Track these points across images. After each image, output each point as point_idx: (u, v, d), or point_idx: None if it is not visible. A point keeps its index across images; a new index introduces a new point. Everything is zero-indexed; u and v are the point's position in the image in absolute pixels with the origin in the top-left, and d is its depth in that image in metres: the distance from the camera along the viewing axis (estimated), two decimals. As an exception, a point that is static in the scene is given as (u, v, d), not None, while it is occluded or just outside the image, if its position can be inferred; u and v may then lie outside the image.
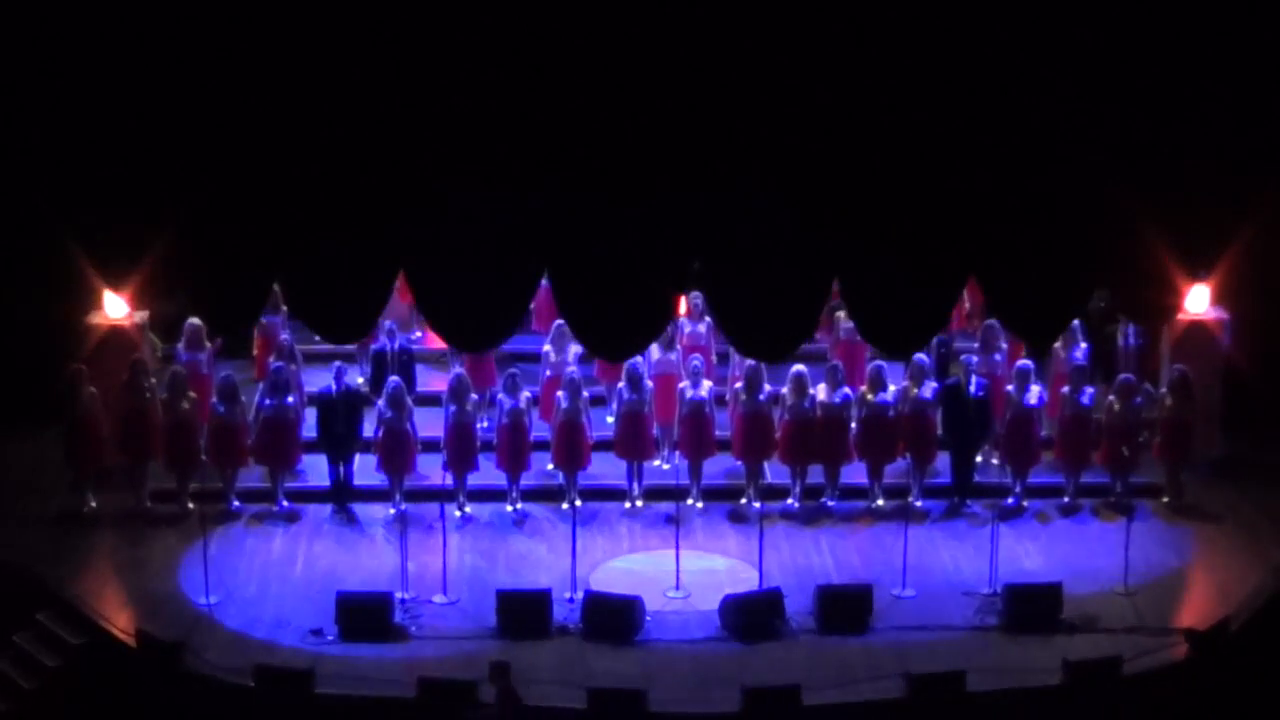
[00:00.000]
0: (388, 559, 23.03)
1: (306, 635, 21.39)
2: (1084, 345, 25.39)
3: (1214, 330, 25.58)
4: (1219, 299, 25.68)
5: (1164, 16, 21.64)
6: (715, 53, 21.30)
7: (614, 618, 21.55)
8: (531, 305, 26.68)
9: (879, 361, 24.75)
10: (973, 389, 24.45)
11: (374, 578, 22.63)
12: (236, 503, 24.45)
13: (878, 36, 21.36)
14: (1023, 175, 21.75)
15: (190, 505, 24.25)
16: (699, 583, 22.56)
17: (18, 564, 22.65)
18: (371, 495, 24.59)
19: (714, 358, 25.58)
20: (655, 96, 21.37)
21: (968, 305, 26.98)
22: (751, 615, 21.65)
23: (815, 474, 24.65)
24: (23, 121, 21.93)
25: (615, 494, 24.73)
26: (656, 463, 25.07)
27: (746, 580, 22.54)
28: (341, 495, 24.52)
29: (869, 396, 24.37)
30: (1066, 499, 24.65)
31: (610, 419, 24.99)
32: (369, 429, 24.50)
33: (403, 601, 21.97)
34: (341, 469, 24.49)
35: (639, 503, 24.62)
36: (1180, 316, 25.50)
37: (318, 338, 27.15)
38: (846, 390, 24.42)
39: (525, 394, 24.36)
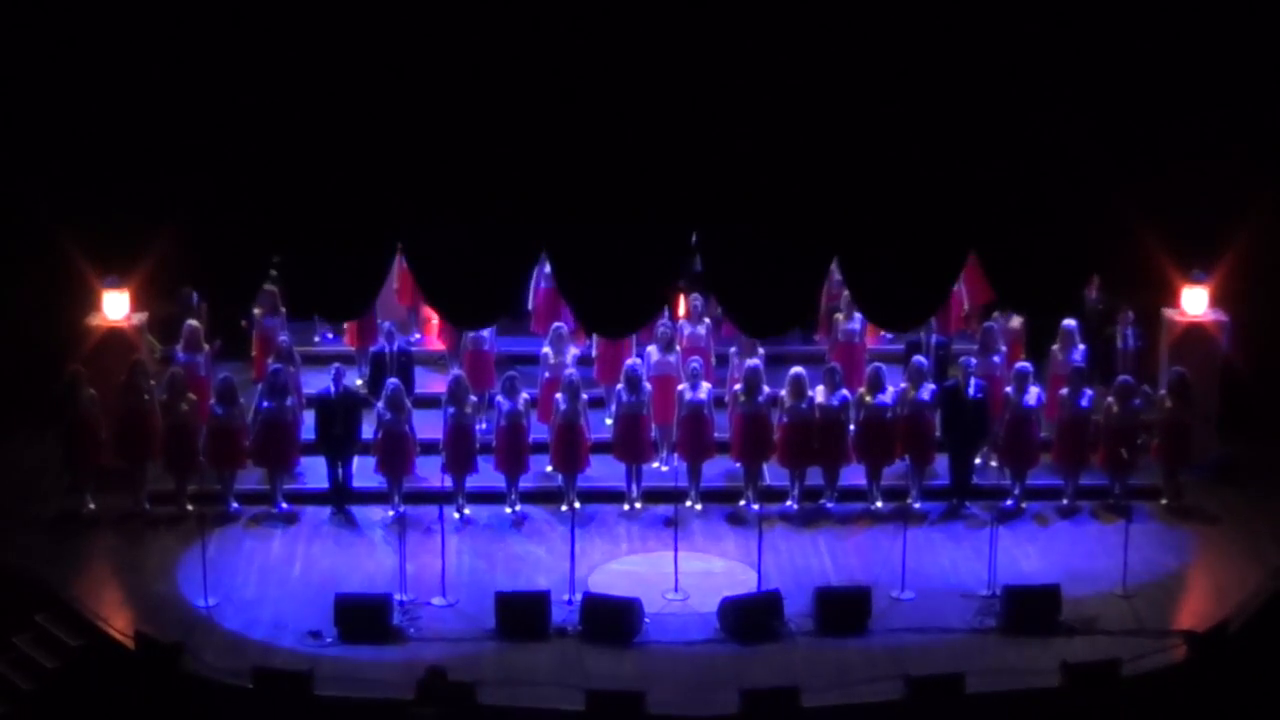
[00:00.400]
0: (386, 561, 23.03)
1: (305, 637, 21.38)
2: (1082, 347, 25.39)
3: (1212, 332, 25.59)
4: (1217, 301, 25.70)
5: (1165, 12, 21.74)
6: (716, 28, 21.33)
7: (613, 620, 21.54)
8: (530, 307, 26.75)
9: (877, 364, 24.75)
10: (971, 391, 24.45)
11: (372, 580, 22.63)
12: (235, 504, 24.44)
13: (881, 13, 21.38)
14: (1023, 151, 21.78)
15: (189, 507, 24.23)
16: (697, 585, 22.55)
17: (17, 565, 22.65)
18: (370, 497, 24.57)
19: (713, 360, 25.56)
20: (654, 72, 21.41)
21: (966, 307, 26.97)
22: (750, 617, 21.64)
23: (814, 476, 24.64)
24: (16, 116, 21.98)
25: (614, 496, 24.71)
26: (655, 465, 25.06)
27: (745, 582, 22.54)
28: (340, 497, 24.51)
29: (867, 398, 24.37)
30: (1065, 501, 24.64)
31: (609, 421, 24.98)
32: (368, 431, 24.48)
33: (401, 603, 21.96)
34: (340, 471, 24.48)
35: (638, 505, 24.61)
36: (1179, 319, 25.58)
37: (317, 339, 27.34)
38: (845, 392, 24.42)
39: (524, 396, 24.36)
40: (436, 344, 26.93)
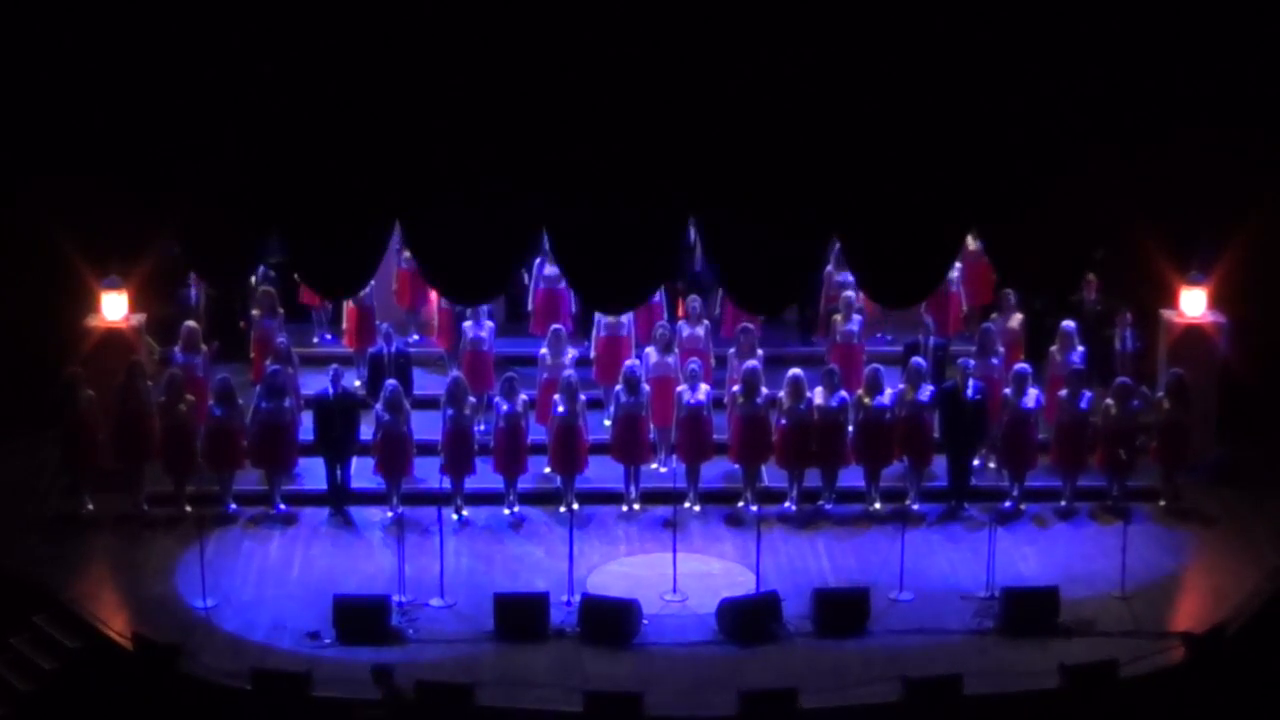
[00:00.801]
0: (385, 562, 23.02)
1: (303, 638, 21.38)
2: (1081, 349, 25.39)
3: (1211, 334, 25.60)
4: (1216, 303, 25.71)
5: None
6: (716, 4, 21.30)
7: (611, 621, 21.54)
8: (529, 308, 26.76)
9: (876, 365, 24.76)
10: (969, 392, 24.44)
11: (371, 581, 22.62)
12: (233, 506, 24.43)
13: None
14: (1025, 127, 21.82)
15: (187, 508, 24.23)
16: (696, 586, 22.54)
17: (14, 567, 22.64)
18: (369, 498, 24.56)
19: (711, 361, 25.56)
20: (653, 49, 21.43)
21: (964, 308, 26.98)
22: (748, 618, 21.64)
23: (812, 477, 24.64)
24: (13, 116, 22.03)
25: (612, 497, 24.70)
26: (654, 466, 25.06)
27: (743, 583, 22.54)
28: (339, 498, 24.50)
29: (866, 400, 24.37)
30: (1064, 502, 24.64)
31: (607, 422, 24.96)
32: (366, 432, 24.47)
33: (400, 604, 21.96)
34: (339, 472, 24.47)
35: (636, 506, 24.60)
36: (1177, 320, 25.61)
37: (315, 341, 27.34)
38: (843, 394, 24.42)
39: (522, 397, 24.35)
40: (435, 345, 26.88)
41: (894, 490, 24.69)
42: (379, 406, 24.19)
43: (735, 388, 24.60)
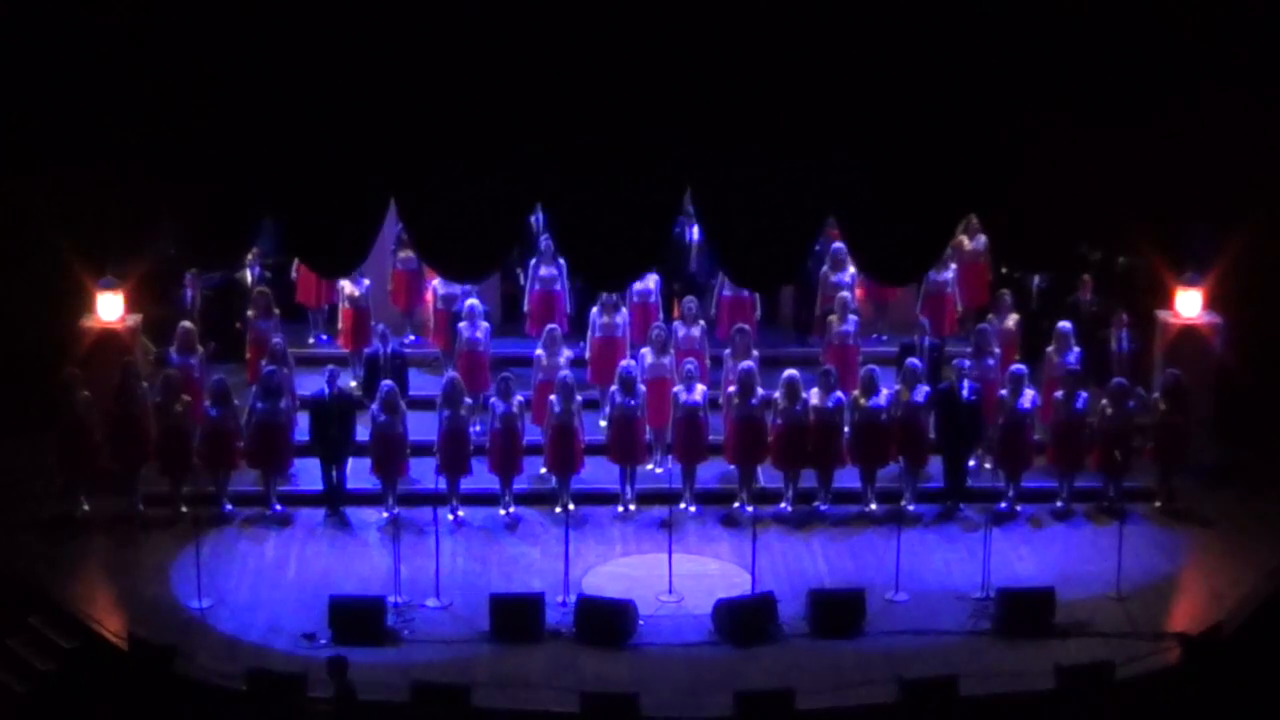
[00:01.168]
0: (380, 563, 23.02)
1: (299, 639, 21.38)
2: (1077, 350, 25.39)
3: (1207, 335, 25.62)
4: (1211, 304, 25.72)
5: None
6: None
7: (606, 621, 21.55)
8: (525, 309, 26.76)
9: (872, 366, 24.76)
10: (965, 393, 24.44)
11: (367, 582, 22.63)
12: (229, 506, 24.41)
13: None
14: (1019, 106, 21.82)
15: (183, 509, 24.22)
16: (692, 587, 22.55)
17: (11, 567, 22.63)
18: (364, 499, 24.55)
19: (707, 362, 25.55)
20: (650, 24, 21.41)
21: (959, 309, 26.98)
22: (744, 619, 21.65)
23: (808, 478, 24.63)
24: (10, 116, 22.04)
25: (608, 498, 24.70)
26: (650, 467, 25.06)
27: (739, 584, 22.54)
28: (334, 499, 24.49)
29: (861, 401, 24.37)
30: (1060, 503, 24.64)
31: (603, 423, 24.95)
32: (362, 433, 24.46)
33: (395, 605, 21.96)
34: (334, 473, 24.46)
35: (632, 507, 24.60)
36: (1173, 321, 25.63)
37: (311, 341, 27.31)
38: (839, 395, 24.41)
39: (518, 398, 24.34)
40: (431, 346, 26.87)
41: (890, 491, 24.68)
42: (375, 407, 24.18)
43: (731, 389, 24.60)
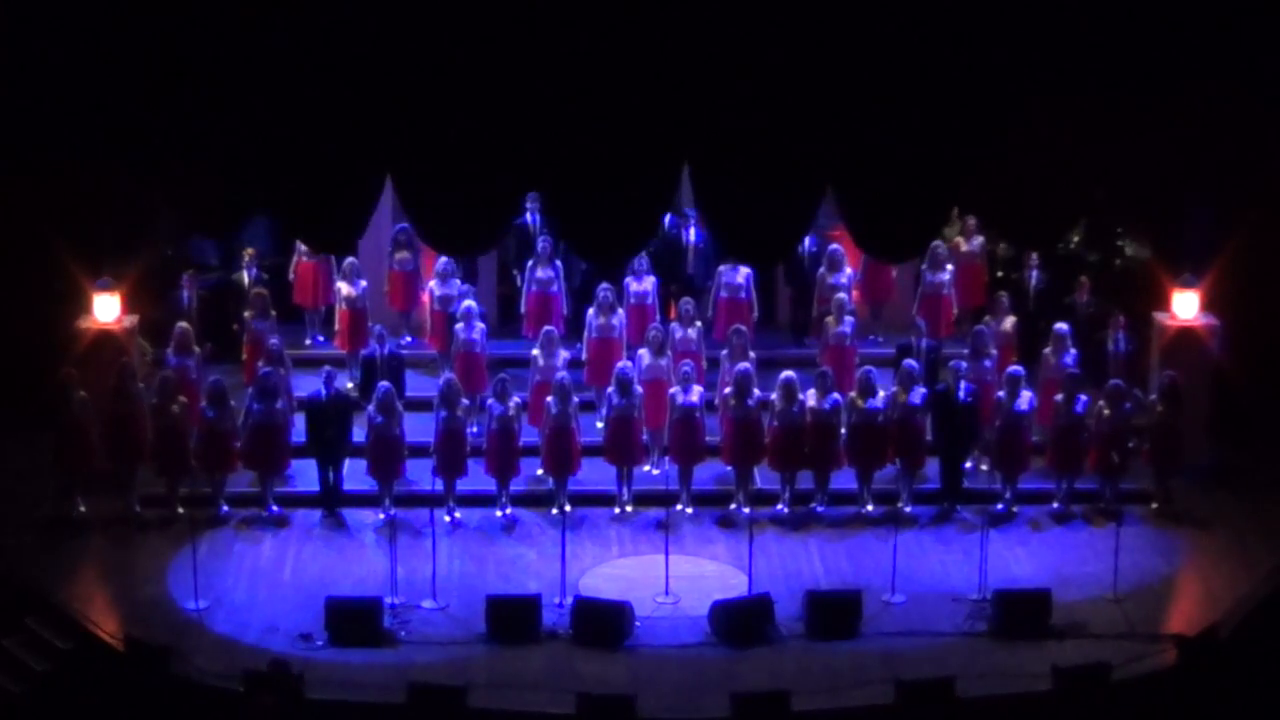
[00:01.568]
0: (377, 564, 23.00)
1: (296, 640, 21.37)
2: (1074, 351, 25.39)
3: (1204, 337, 25.62)
4: (1208, 306, 25.73)
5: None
6: None
7: (603, 623, 21.54)
8: (521, 310, 26.77)
9: (868, 368, 24.77)
10: (961, 395, 24.43)
11: (363, 583, 22.62)
12: (225, 508, 24.39)
13: None
14: (1014, 81, 21.87)
15: (179, 510, 24.21)
16: (688, 588, 22.55)
17: (7, 568, 22.62)
18: (361, 500, 24.54)
19: (704, 363, 25.56)
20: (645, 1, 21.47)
21: (956, 310, 26.99)
22: (741, 621, 21.65)
23: (805, 480, 24.63)
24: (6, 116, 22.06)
25: (605, 499, 24.69)
26: (646, 468, 25.05)
27: (736, 586, 22.53)
28: (331, 500, 24.49)
29: (858, 402, 24.37)
30: (1057, 505, 24.64)
31: (600, 424, 24.95)
32: (359, 434, 24.45)
33: (392, 606, 21.95)
34: (331, 474, 24.45)
35: (628, 508, 24.60)
36: (1170, 323, 25.65)
37: (308, 342, 27.30)
38: (836, 396, 24.42)
39: (515, 399, 24.33)
40: (428, 347, 26.86)
41: (886, 493, 24.67)
42: (371, 408, 24.17)
43: (727, 390, 24.59)
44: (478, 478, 24.47)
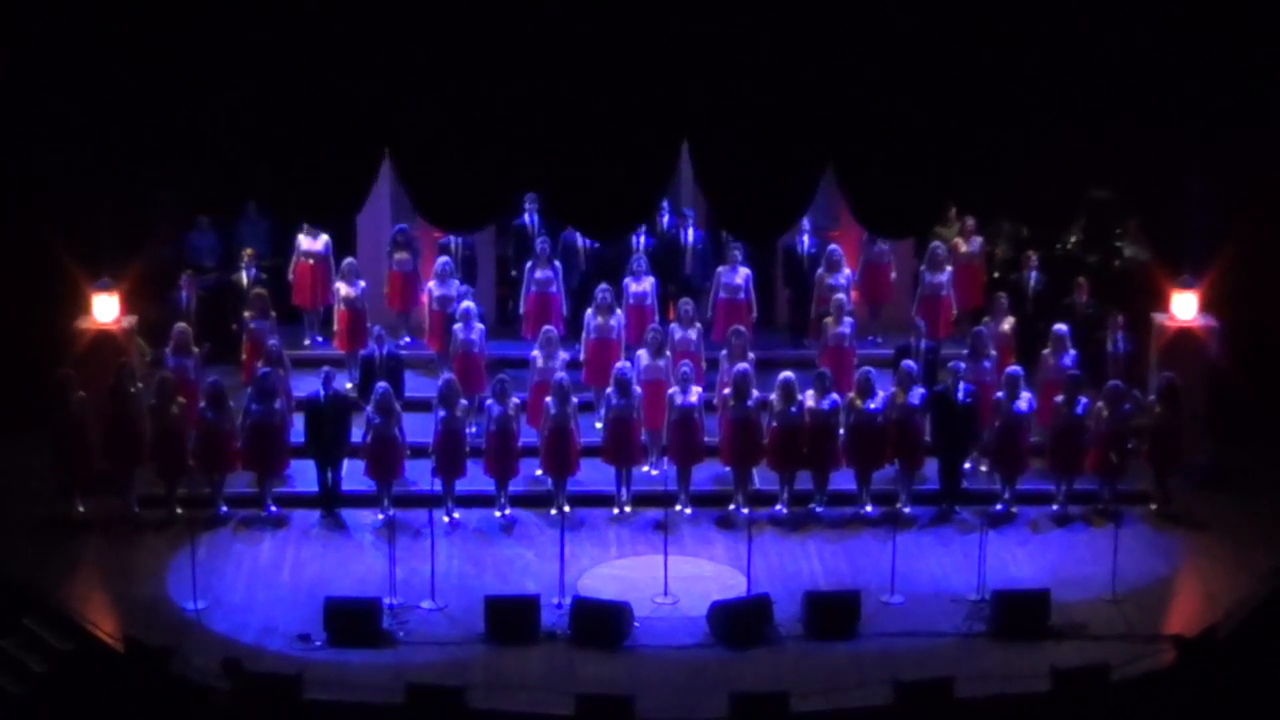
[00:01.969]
0: (375, 564, 23.00)
1: (294, 641, 21.37)
2: (1073, 352, 25.39)
3: (1202, 337, 25.63)
4: (1206, 306, 25.74)
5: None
6: None
7: (602, 623, 21.54)
8: (521, 311, 26.76)
9: (867, 368, 24.76)
10: (960, 396, 24.44)
11: (362, 583, 22.61)
12: (224, 508, 24.39)
13: None
14: (1020, 59, 21.91)
15: (178, 510, 24.21)
16: (687, 589, 22.55)
17: (5, 568, 22.60)
18: (359, 501, 24.53)
19: (703, 364, 25.56)
20: None
21: (955, 311, 26.99)
22: (739, 621, 21.64)
23: (803, 480, 24.62)
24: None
25: (604, 500, 24.69)
26: (645, 469, 25.05)
27: (734, 586, 22.53)
28: (329, 501, 24.49)
29: (857, 403, 24.37)
30: (1057, 506, 24.63)
31: (599, 424, 24.95)
32: (357, 435, 24.45)
33: (390, 607, 21.95)
34: (329, 474, 24.45)
35: (627, 509, 24.59)
36: (1168, 324, 25.66)
37: (306, 343, 27.30)
38: (835, 397, 24.42)
39: (514, 400, 24.33)
40: (426, 348, 26.86)
41: (885, 493, 24.68)
42: (370, 409, 24.16)
43: (726, 390, 24.59)
44: (476, 478, 24.47)
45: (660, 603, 22.35)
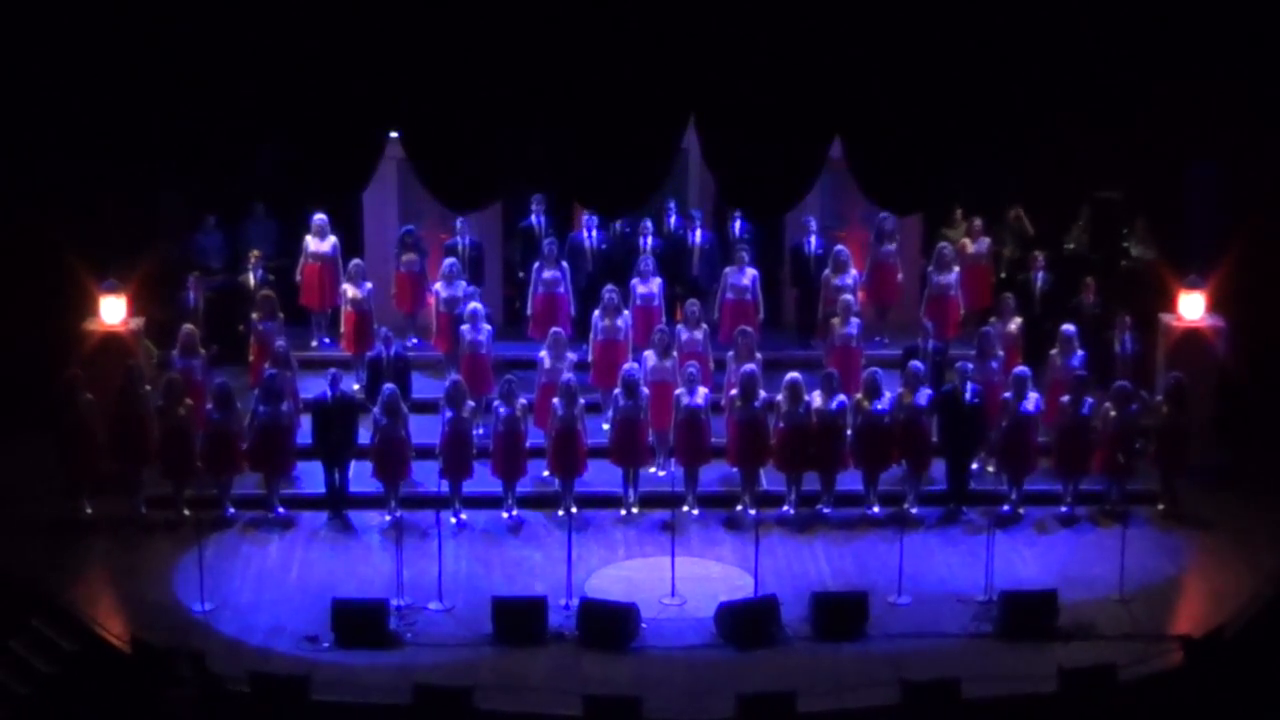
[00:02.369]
0: (383, 566, 23.01)
1: (302, 642, 21.37)
2: (1080, 352, 25.37)
3: (1210, 338, 25.62)
4: (1214, 306, 25.72)
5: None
6: None
7: (609, 624, 21.53)
8: (528, 312, 26.77)
9: (875, 369, 24.74)
10: (968, 396, 24.43)
11: (369, 584, 22.62)
12: (231, 509, 24.41)
13: None
14: (1027, 33, 21.94)
15: (185, 512, 24.22)
16: (694, 589, 22.54)
17: (13, 569, 22.63)
18: (367, 502, 24.54)
19: (710, 365, 25.54)
20: None
21: (963, 312, 26.99)
22: (747, 622, 21.64)
23: (810, 481, 24.62)
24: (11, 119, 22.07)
25: (611, 501, 24.69)
26: (652, 469, 25.04)
27: (742, 587, 22.53)
28: (337, 502, 24.49)
29: (864, 404, 24.36)
30: (1065, 507, 24.61)
31: (606, 426, 24.93)
32: (364, 436, 24.46)
33: (398, 608, 21.95)
34: (337, 476, 24.46)
35: (634, 510, 24.59)
36: (1176, 324, 25.65)
37: (314, 344, 27.32)
38: (842, 397, 24.41)
39: (521, 401, 24.34)
40: (434, 349, 26.87)
41: (892, 494, 24.68)
42: (377, 410, 24.17)
43: (733, 391, 24.58)
44: (483, 479, 24.47)
45: (668, 604, 22.34)
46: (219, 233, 28.08)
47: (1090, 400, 24.50)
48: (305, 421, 24.79)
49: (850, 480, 24.67)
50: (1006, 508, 24.48)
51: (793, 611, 21.92)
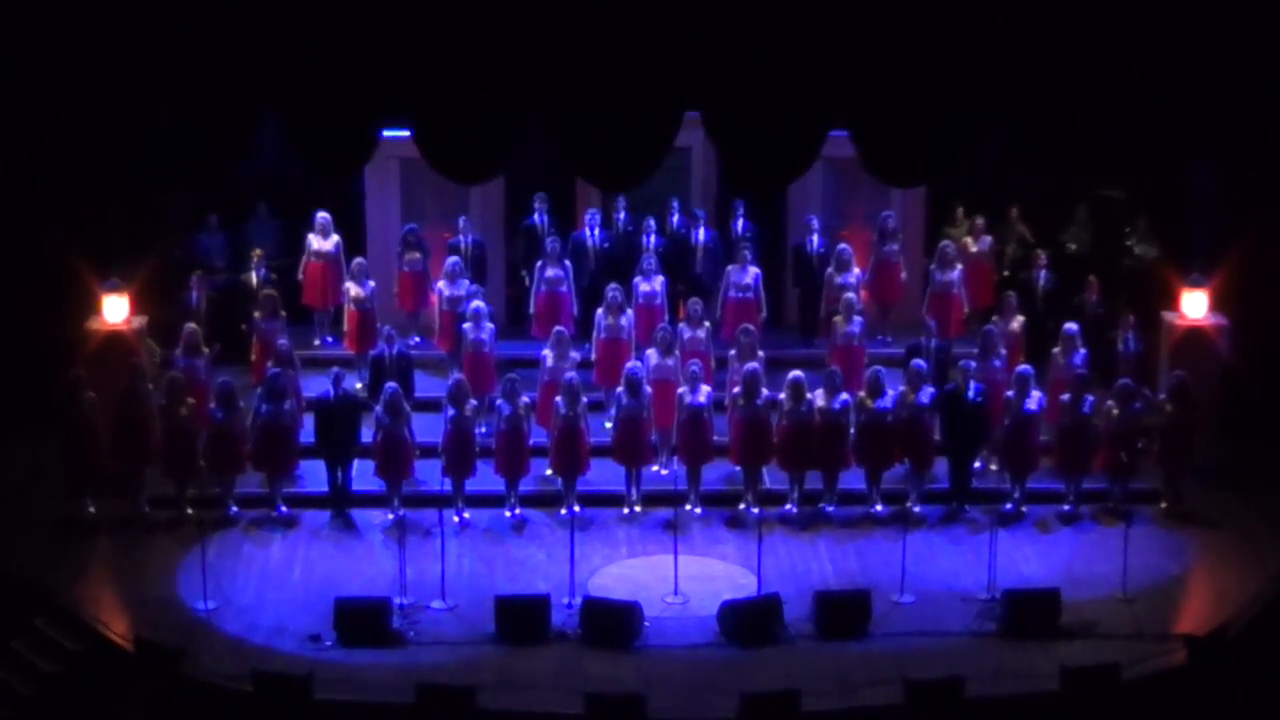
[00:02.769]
0: (386, 564, 23.02)
1: (304, 641, 21.38)
2: (1083, 351, 25.36)
3: (1213, 336, 25.61)
4: (1217, 305, 25.71)
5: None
6: None
7: (612, 623, 21.54)
8: (531, 311, 26.77)
9: (877, 367, 24.74)
10: (970, 394, 24.42)
11: (372, 583, 22.63)
12: (234, 508, 24.41)
13: None
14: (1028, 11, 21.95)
15: (188, 511, 24.22)
16: (697, 588, 22.54)
17: (16, 569, 22.64)
18: (369, 501, 24.54)
19: (712, 363, 25.53)
20: None
21: (966, 311, 26.99)
22: (750, 621, 21.64)
23: (813, 480, 24.62)
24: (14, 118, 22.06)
25: (614, 499, 24.68)
26: (655, 468, 25.04)
27: (745, 586, 22.53)
28: (339, 501, 24.49)
29: (867, 402, 24.35)
30: (1067, 507, 24.61)
31: (608, 424, 24.94)
32: (367, 435, 24.46)
33: (401, 607, 21.96)
34: (340, 474, 24.46)
35: (637, 508, 24.59)
36: (1179, 323, 25.64)
37: (316, 343, 27.32)
38: (844, 396, 24.40)
39: (524, 399, 24.34)
40: (436, 348, 26.87)
41: (895, 492, 24.68)
42: (379, 409, 24.16)
43: (736, 389, 24.58)
44: (486, 478, 24.48)
45: (670, 602, 22.34)
46: (221, 232, 28.09)
47: (1091, 399, 24.50)
48: (308, 420, 24.78)
49: (853, 479, 24.66)
50: (1009, 506, 24.47)
51: (795, 610, 21.92)
